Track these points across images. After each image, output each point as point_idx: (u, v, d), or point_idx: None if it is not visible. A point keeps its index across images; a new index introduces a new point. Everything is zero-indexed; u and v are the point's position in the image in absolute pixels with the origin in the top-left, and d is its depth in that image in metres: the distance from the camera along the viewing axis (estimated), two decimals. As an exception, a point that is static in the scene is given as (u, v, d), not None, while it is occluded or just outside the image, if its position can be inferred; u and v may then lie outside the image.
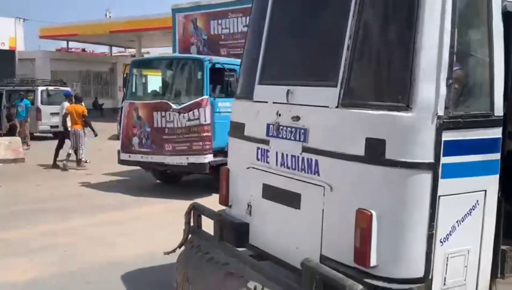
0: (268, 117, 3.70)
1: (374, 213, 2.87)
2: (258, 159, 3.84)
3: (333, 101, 3.14)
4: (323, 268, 2.89)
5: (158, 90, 11.10)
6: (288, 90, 3.50)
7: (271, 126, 3.67)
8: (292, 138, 3.48)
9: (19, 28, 32.10)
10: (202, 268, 3.89)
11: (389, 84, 3.09)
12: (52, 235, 6.95)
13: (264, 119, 3.75)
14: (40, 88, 19.78)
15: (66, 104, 13.40)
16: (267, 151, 3.74)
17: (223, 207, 4.46)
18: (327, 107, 3.19)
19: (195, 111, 9.05)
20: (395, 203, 2.87)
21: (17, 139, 14.57)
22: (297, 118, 3.44)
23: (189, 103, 9.21)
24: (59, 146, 12.93)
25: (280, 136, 3.59)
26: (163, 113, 9.37)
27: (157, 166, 9.87)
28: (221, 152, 9.29)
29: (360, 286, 2.63)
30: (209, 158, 9.10)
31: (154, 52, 36.72)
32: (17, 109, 17.31)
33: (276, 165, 3.64)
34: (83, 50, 40.85)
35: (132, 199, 9.35)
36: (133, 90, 10.54)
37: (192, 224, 4.34)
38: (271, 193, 3.73)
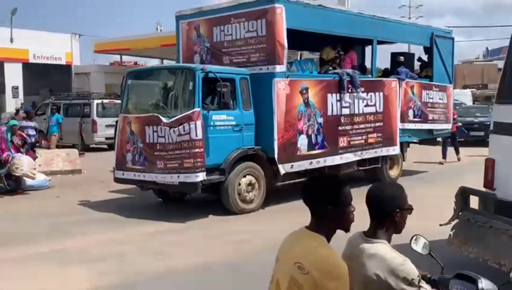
0: None
1: None
2: None
3: None
4: None
5: (151, 102, 9.91)
6: None
7: None
8: None
9: (75, 44, 33.18)
10: (483, 234, 4.88)
11: None
12: (109, 245, 7.05)
13: None
14: (95, 101, 20.33)
15: None
16: None
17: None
18: None
19: (186, 125, 8.12)
20: None
21: (74, 151, 15.03)
22: None
23: (179, 116, 8.29)
24: None
25: None
26: (154, 128, 8.52)
27: (149, 185, 9.04)
28: (217, 169, 8.53)
29: None
30: (201, 176, 8.12)
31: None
32: (49, 124, 17.88)
33: None
34: (135, 63, 41.78)
35: (185, 209, 9.37)
36: (127, 103, 9.71)
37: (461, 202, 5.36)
38: None
